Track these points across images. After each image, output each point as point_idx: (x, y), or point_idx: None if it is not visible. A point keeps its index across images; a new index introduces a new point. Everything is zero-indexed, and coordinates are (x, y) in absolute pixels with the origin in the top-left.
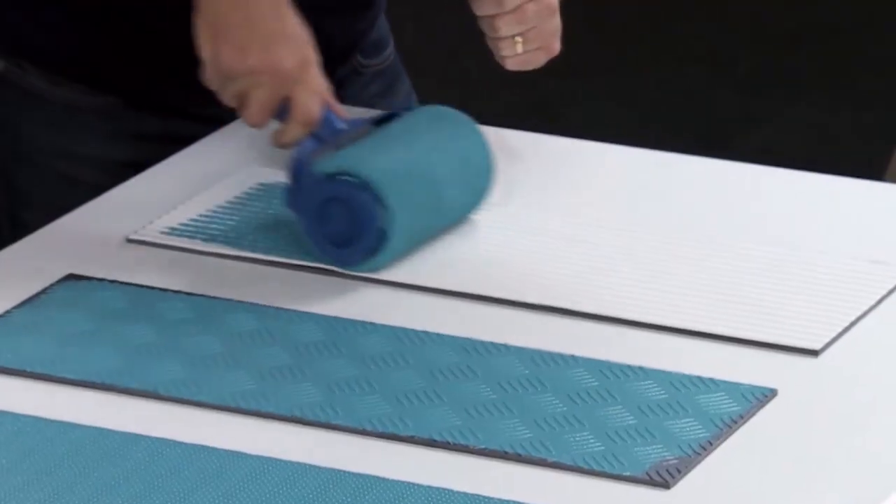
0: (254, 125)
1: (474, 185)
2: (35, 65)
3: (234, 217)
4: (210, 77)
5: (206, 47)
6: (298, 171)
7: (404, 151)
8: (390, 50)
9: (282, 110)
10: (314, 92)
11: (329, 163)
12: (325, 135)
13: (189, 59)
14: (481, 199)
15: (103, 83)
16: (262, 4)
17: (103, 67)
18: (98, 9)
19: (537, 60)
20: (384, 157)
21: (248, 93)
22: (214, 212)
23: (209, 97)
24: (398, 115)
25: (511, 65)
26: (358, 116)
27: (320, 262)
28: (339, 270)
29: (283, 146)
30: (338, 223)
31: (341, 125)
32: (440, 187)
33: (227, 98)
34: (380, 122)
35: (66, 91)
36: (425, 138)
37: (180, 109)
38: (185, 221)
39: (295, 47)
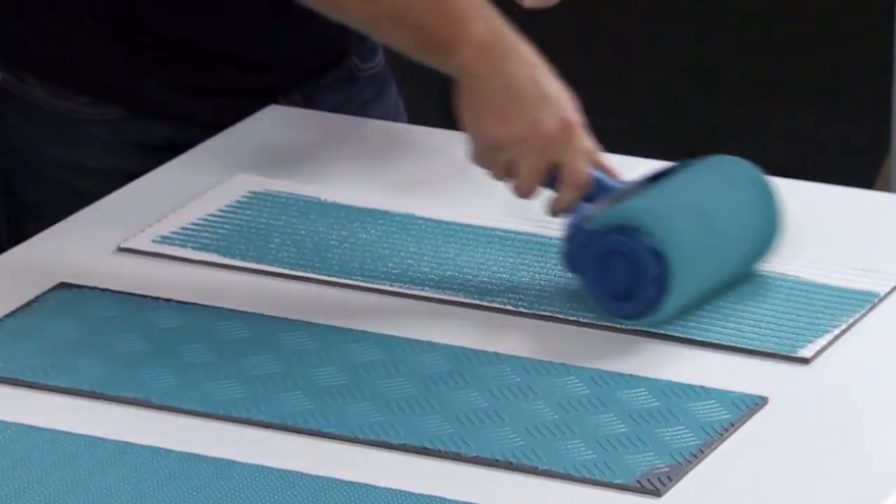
0: (523, 195)
1: (760, 236)
2: (38, 77)
3: (225, 226)
4: (475, 150)
5: (468, 121)
6: (574, 232)
7: (683, 200)
8: (381, 55)
9: (551, 177)
10: (582, 154)
11: (602, 217)
12: (599, 196)
13: (192, 67)
14: (768, 251)
15: (107, 94)
16: (521, 69)
17: (107, 78)
18: (99, 20)
19: None
20: (660, 205)
21: (516, 162)
22: (205, 220)
23: (213, 104)
24: (674, 171)
25: (529, 2)
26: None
27: (298, 270)
28: (328, 278)
29: (559, 214)
30: (617, 277)
31: (614, 184)
32: (723, 237)
33: (495, 171)
34: (655, 178)
35: (69, 103)
36: (705, 188)
37: (185, 117)
38: (177, 230)
39: (557, 110)
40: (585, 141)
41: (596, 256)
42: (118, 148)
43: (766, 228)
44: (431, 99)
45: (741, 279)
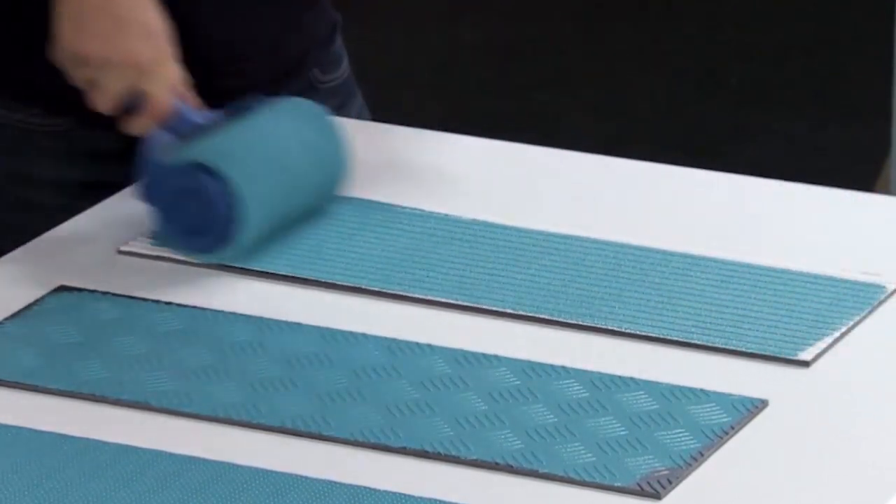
0: (102, 110)
1: (328, 173)
2: None
3: None
4: (62, 56)
5: (63, 28)
6: (149, 164)
7: (256, 140)
8: (345, 66)
9: (134, 100)
10: (168, 86)
11: (176, 154)
12: (180, 128)
13: None
14: (336, 188)
15: (58, 105)
16: None
17: (57, 89)
18: (49, 32)
19: None
20: (232, 145)
21: (101, 80)
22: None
23: None
24: (253, 108)
25: None
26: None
27: (299, 272)
28: (330, 281)
29: (133, 134)
30: (190, 214)
31: (196, 118)
32: (293, 174)
33: (77, 80)
34: (232, 115)
35: (20, 115)
36: (278, 128)
37: None
38: None
39: (153, 41)
40: (174, 73)
41: (170, 192)
42: (71, 158)
43: (333, 166)
44: (436, 101)
45: (313, 212)
